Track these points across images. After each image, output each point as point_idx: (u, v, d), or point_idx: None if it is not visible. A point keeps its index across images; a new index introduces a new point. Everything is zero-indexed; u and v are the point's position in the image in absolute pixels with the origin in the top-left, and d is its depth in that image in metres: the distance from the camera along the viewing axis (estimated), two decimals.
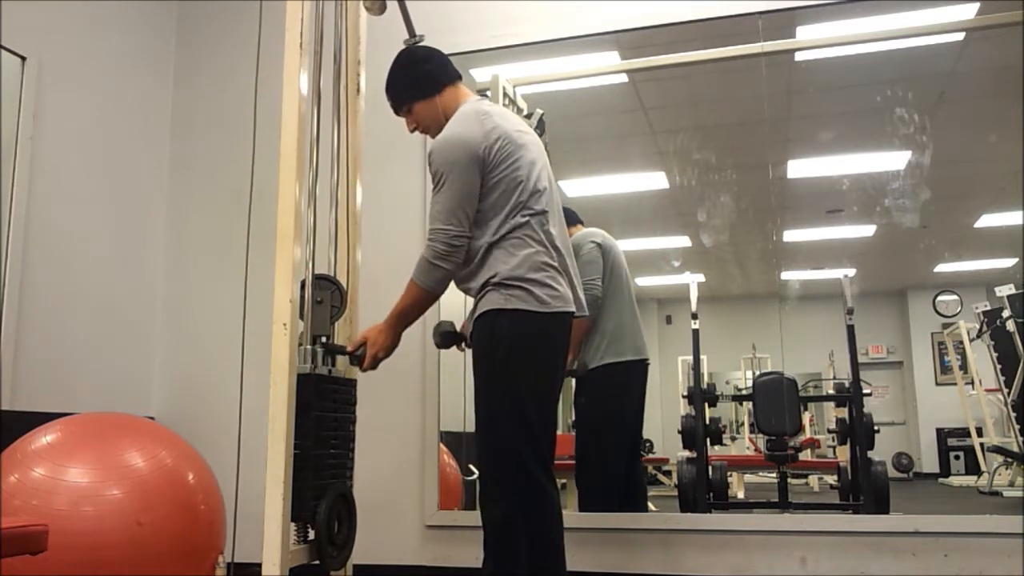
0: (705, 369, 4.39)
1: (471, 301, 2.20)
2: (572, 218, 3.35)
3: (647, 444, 6.46)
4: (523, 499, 2.01)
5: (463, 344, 2.36)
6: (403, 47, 2.42)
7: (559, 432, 2.47)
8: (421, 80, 2.26)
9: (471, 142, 2.09)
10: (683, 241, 5.98)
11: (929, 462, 7.40)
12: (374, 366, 2.26)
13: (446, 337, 2.35)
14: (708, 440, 4.04)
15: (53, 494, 2.23)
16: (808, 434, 6.46)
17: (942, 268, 6.98)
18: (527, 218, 2.12)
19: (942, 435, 7.28)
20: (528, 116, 3.31)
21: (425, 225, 3.25)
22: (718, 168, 4.82)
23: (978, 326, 5.67)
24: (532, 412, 2.07)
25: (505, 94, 3.35)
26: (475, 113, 2.17)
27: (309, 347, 2.23)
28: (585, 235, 3.24)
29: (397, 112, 2.33)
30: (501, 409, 2.05)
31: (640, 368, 3.19)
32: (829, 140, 4.80)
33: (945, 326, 6.89)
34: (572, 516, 2.97)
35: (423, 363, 3.24)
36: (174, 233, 3.79)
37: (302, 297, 2.22)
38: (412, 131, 2.33)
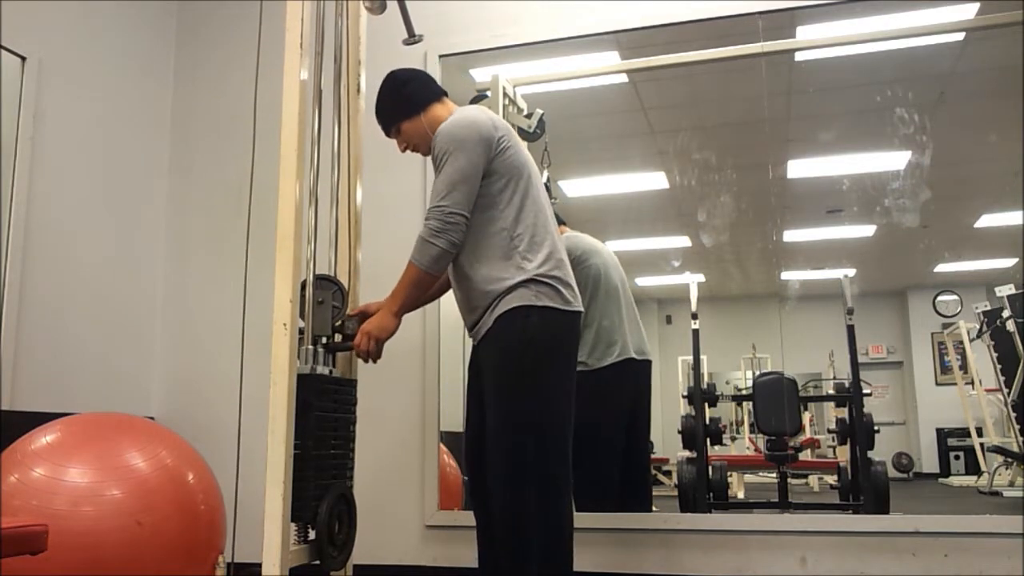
0: (705, 369, 4.38)
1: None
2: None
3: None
4: (541, 498, 2.03)
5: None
6: (401, 47, 2.44)
7: None
8: (403, 101, 2.31)
9: (480, 124, 2.15)
10: (683, 241, 5.97)
11: (929, 462, 7.39)
12: (378, 353, 2.25)
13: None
14: (708, 440, 4.03)
15: (53, 494, 2.23)
16: (808, 434, 6.46)
17: (942, 268, 6.97)
18: (542, 212, 2.18)
19: (942, 435, 7.27)
20: (528, 116, 3.31)
21: None
22: (718, 168, 4.81)
23: (978, 326, 5.67)
24: (559, 411, 2.08)
25: (505, 94, 3.35)
26: (477, 108, 2.26)
27: (310, 347, 2.23)
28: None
29: (387, 134, 2.38)
30: (529, 407, 2.06)
31: (620, 369, 3.12)
32: (829, 140, 4.79)
33: (945, 326, 6.88)
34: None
35: (423, 363, 3.24)
36: (174, 233, 3.79)
37: (303, 297, 2.22)
38: (403, 151, 2.39)
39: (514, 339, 2.07)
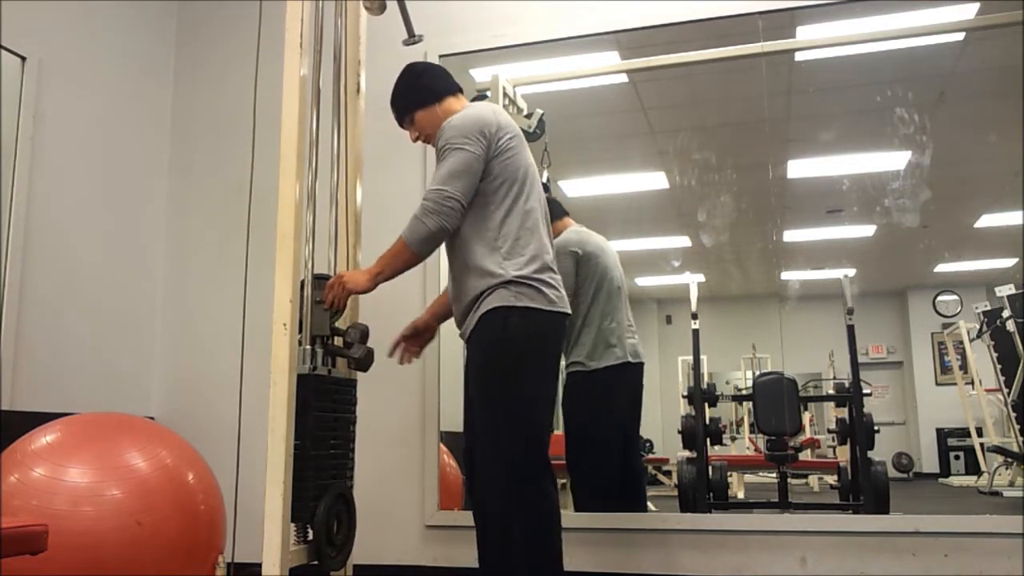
0: (705, 369, 4.38)
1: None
2: (557, 211, 3.32)
3: (647, 444, 6.45)
4: (524, 500, 2.03)
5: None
6: (401, 47, 2.44)
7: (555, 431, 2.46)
8: (419, 91, 2.33)
9: (485, 120, 2.17)
10: (683, 241, 5.98)
11: (929, 462, 7.39)
12: (342, 304, 2.27)
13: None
14: (708, 440, 4.03)
15: (53, 494, 2.23)
16: (808, 434, 6.46)
17: (942, 268, 6.97)
18: (531, 217, 2.17)
19: (942, 435, 7.27)
20: (528, 116, 3.31)
21: None
22: (718, 168, 4.81)
23: (978, 326, 5.67)
24: (538, 413, 2.09)
25: (505, 94, 3.35)
26: (488, 105, 2.28)
27: (309, 347, 2.23)
28: (566, 241, 3.11)
29: (401, 124, 2.40)
30: (508, 409, 2.06)
31: (618, 372, 3.11)
32: (829, 140, 4.80)
33: (945, 326, 6.88)
34: (571, 516, 2.97)
35: (423, 363, 3.23)
36: (174, 233, 3.79)
37: (302, 297, 2.22)
38: (415, 140, 2.40)
39: (494, 339, 2.08)
